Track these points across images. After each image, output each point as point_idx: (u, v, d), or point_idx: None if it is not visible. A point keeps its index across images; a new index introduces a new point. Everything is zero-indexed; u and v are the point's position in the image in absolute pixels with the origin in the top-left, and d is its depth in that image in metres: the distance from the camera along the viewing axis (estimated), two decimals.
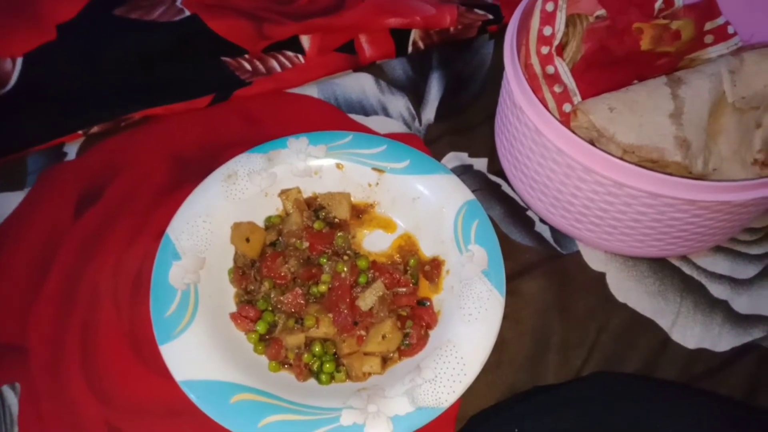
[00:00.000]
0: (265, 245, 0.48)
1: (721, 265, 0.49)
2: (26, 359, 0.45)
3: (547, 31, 0.44)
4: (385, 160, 0.50)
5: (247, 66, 0.60)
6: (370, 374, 0.43)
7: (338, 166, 0.50)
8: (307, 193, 0.50)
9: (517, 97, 0.42)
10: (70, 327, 0.46)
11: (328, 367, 0.43)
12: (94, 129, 0.56)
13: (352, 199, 0.50)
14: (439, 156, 0.54)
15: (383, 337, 0.43)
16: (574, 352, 0.46)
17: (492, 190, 0.53)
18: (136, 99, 0.57)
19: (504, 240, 0.50)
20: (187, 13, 0.62)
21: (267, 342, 0.44)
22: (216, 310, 0.45)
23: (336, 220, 0.50)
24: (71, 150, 0.55)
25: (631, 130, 0.42)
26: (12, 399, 0.44)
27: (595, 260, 0.50)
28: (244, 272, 0.46)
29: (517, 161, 0.47)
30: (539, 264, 0.49)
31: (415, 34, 0.61)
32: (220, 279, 0.47)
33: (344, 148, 0.51)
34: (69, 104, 0.57)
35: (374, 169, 0.50)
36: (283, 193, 0.49)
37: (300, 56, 0.60)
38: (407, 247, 0.49)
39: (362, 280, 0.46)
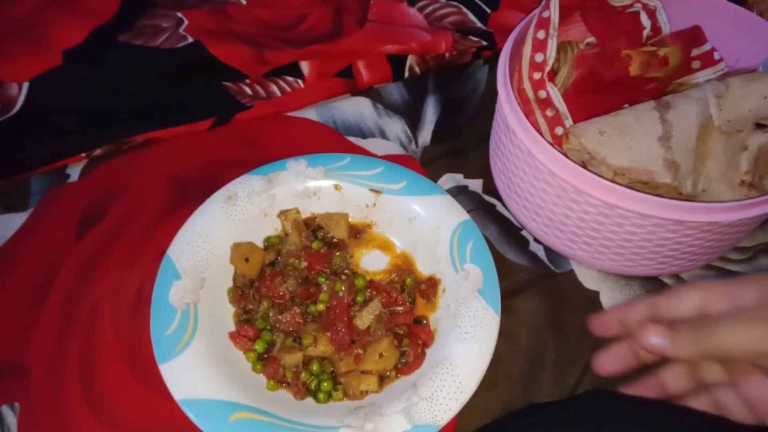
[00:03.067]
0: (264, 265, 0.49)
1: None
2: (26, 379, 0.45)
3: (539, 57, 0.46)
4: (382, 181, 0.51)
5: (248, 90, 0.61)
6: (367, 392, 0.44)
7: (336, 187, 0.51)
8: (305, 214, 0.51)
9: (510, 121, 0.43)
10: (70, 347, 0.47)
11: (326, 385, 0.43)
12: (97, 152, 0.57)
13: (350, 219, 0.51)
14: (435, 177, 0.55)
15: (380, 355, 0.44)
16: (568, 370, 0.46)
17: (487, 211, 0.54)
18: (139, 122, 0.58)
19: (499, 259, 0.51)
20: (190, 39, 0.64)
21: (265, 361, 0.45)
22: (215, 329, 0.45)
23: (334, 240, 0.51)
24: (74, 172, 0.56)
25: (622, 152, 0.43)
26: (11, 419, 0.44)
27: (588, 279, 0.50)
28: (243, 292, 0.47)
29: (511, 182, 0.48)
30: (534, 283, 0.50)
31: (411, 60, 0.63)
32: (219, 298, 0.47)
33: (342, 170, 0.52)
34: (73, 127, 0.59)
35: (371, 190, 0.51)
36: (282, 214, 0.50)
37: (299, 81, 0.62)
38: (404, 267, 0.50)
39: (360, 299, 0.47)
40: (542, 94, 0.46)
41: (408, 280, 0.48)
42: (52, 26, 0.65)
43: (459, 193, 0.55)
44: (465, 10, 0.68)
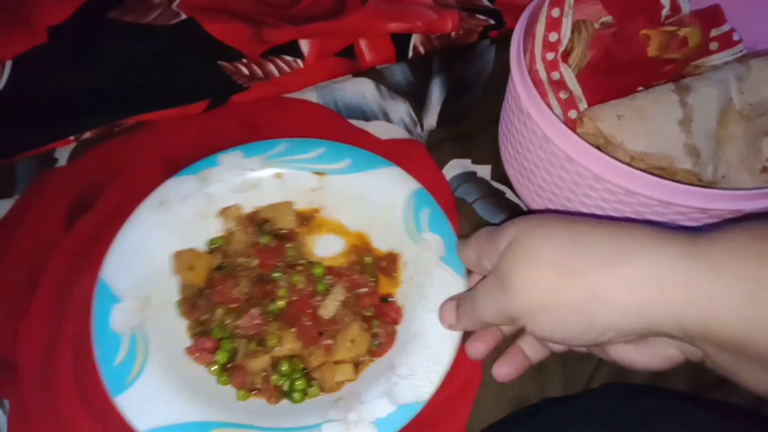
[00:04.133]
0: (211, 270, 0.45)
1: None
2: (15, 375, 0.43)
3: (553, 37, 0.44)
4: (324, 162, 0.49)
5: (245, 70, 0.57)
6: (344, 382, 0.42)
7: (277, 175, 0.48)
8: (248, 209, 0.48)
9: (524, 103, 0.40)
10: (61, 341, 0.44)
11: (299, 384, 0.41)
12: (87, 135, 0.53)
13: (296, 207, 0.48)
14: (441, 162, 0.53)
15: (351, 341, 0.42)
16: (582, 364, 0.45)
17: (496, 198, 0.52)
18: (130, 104, 0.55)
19: None
20: (184, 16, 0.60)
21: (230, 371, 0.42)
22: (170, 348, 0.42)
23: (283, 231, 0.48)
24: (62, 156, 0.53)
25: (640, 137, 0.42)
26: (0, 417, 0.42)
27: None
28: (193, 303, 0.44)
29: (524, 168, 0.46)
30: None
31: (415, 39, 0.60)
32: (168, 315, 0.44)
33: (281, 155, 0.49)
34: (60, 109, 0.55)
35: (315, 173, 0.49)
36: (223, 212, 0.47)
37: (299, 61, 0.58)
38: (360, 246, 0.48)
39: (320, 288, 0.44)
40: (555, 75, 0.44)
41: (367, 260, 0.46)
42: (36, 3, 0.60)
43: (466, 180, 0.52)
44: None
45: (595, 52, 0.46)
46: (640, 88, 0.46)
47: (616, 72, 0.47)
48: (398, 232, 0.47)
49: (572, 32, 0.45)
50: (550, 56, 0.44)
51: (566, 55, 0.45)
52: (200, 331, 0.43)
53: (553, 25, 0.44)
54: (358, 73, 0.58)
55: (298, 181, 0.48)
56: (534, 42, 0.44)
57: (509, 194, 0.52)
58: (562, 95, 0.45)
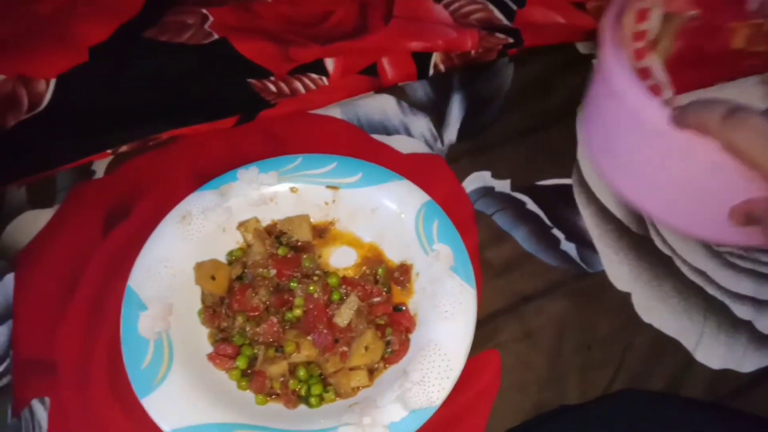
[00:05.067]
0: (231, 280, 0.47)
1: (744, 285, 0.49)
2: (54, 374, 0.45)
3: (641, 27, 0.45)
4: (337, 176, 0.51)
5: (273, 88, 0.60)
6: (359, 388, 0.43)
7: (292, 189, 0.50)
8: (265, 222, 0.50)
9: (618, 84, 0.40)
10: (97, 343, 0.46)
11: (316, 389, 0.43)
12: (123, 148, 0.56)
13: (311, 219, 0.51)
14: (462, 176, 0.54)
15: (366, 348, 0.43)
16: (599, 372, 0.45)
17: (516, 209, 0.53)
18: (164, 119, 0.58)
19: (529, 260, 0.50)
20: (216, 36, 0.63)
21: (250, 376, 0.44)
22: (192, 353, 0.44)
23: (299, 243, 0.50)
24: (99, 168, 0.55)
25: None
26: (41, 413, 0.44)
27: (620, 280, 0.49)
28: (214, 311, 0.46)
29: (611, 149, 0.45)
30: (564, 283, 0.49)
31: (436, 57, 0.62)
32: (191, 322, 0.46)
33: (295, 171, 0.51)
34: (98, 124, 0.58)
35: (328, 187, 0.50)
36: (242, 225, 0.49)
37: (324, 78, 0.61)
38: (373, 258, 0.50)
39: (335, 297, 0.46)
40: (643, 63, 0.46)
41: (380, 270, 0.48)
42: (77, 23, 0.63)
43: (485, 194, 0.54)
44: (491, 6, 0.66)
45: (681, 44, 0.47)
46: (724, 81, 0.46)
47: (701, 64, 0.47)
48: (410, 244, 0.48)
49: (660, 23, 0.46)
50: (638, 45, 0.45)
51: (653, 45, 0.46)
52: (221, 338, 0.45)
53: (642, 15, 0.45)
54: (380, 90, 0.60)
55: (313, 195, 0.50)
56: (623, 32, 0.45)
57: (529, 204, 0.53)
58: (648, 83, 0.46)
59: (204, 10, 0.65)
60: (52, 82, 0.60)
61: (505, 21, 0.65)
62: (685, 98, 0.44)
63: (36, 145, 0.57)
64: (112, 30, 0.64)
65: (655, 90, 0.46)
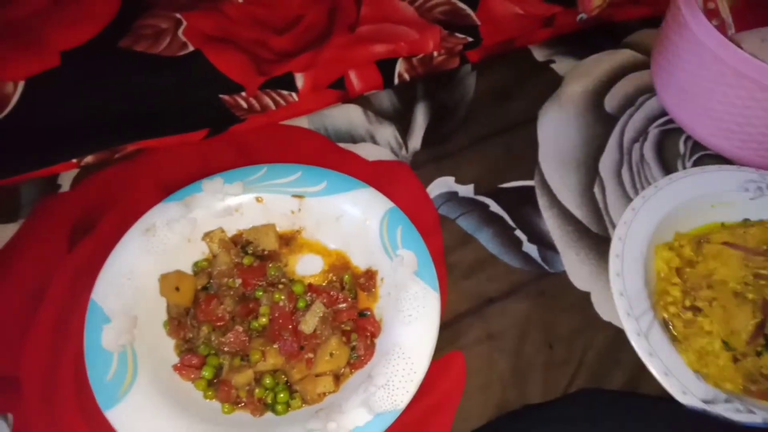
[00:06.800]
0: (196, 291, 0.47)
1: None
2: (19, 390, 0.45)
3: None
4: (302, 185, 0.51)
5: (243, 104, 0.61)
6: (325, 394, 0.44)
7: (258, 199, 0.51)
8: (231, 232, 0.51)
9: (693, 25, 0.48)
10: (63, 358, 0.46)
11: (282, 396, 0.43)
12: (89, 159, 0.56)
13: (277, 229, 0.51)
14: (426, 181, 0.55)
15: (331, 354, 0.44)
16: (561, 370, 0.46)
17: (480, 212, 0.54)
18: (132, 130, 0.57)
19: (492, 262, 0.51)
20: (191, 47, 0.63)
21: (215, 386, 0.44)
22: (158, 365, 0.44)
23: (265, 252, 0.50)
24: (65, 181, 0.55)
25: None
26: (4, 429, 0.43)
27: (580, 280, 0.50)
28: (179, 322, 0.46)
29: (684, 91, 0.53)
30: (526, 284, 0.50)
31: (400, 66, 0.63)
32: (156, 333, 0.46)
33: (260, 181, 0.51)
34: (65, 132, 0.57)
35: (294, 195, 0.51)
36: (207, 236, 0.49)
37: (294, 94, 0.61)
38: (339, 265, 0.50)
39: (301, 304, 0.47)
40: (711, 5, 0.50)
41: (346, 277, 0.49)
42: (52, 27, 0.63)
43: (449, 199, 0.55)
44: None
45: None
46: None
47: (763, 7, 0.52)
48: (375, 250, 0.49)
49: None
50: None
51: None
52: (187, 348, 0.45)
53: None
54: (347, 100, 0.61)
55: (279, 204, 0.51)
56: None
57: (493, 207, 0.54)
58: (714, 23, 0.50)
59: (178, 15, 0.65)
60: (21, 85, 0.59)
61: (469, 10, 0.67)
62: (745, 34, 0.49)
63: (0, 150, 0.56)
64: (87, 36, 0.63)
65: (720, 29, 0.50)
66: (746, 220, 0.52)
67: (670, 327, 0.47)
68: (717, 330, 0.46)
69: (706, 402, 0.43)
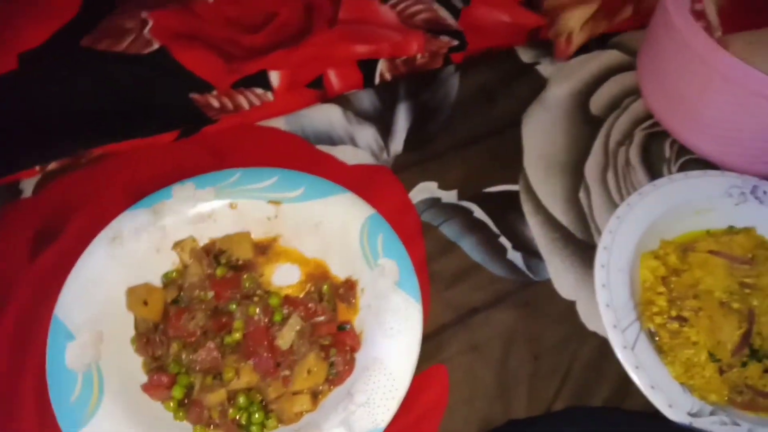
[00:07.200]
0: (166, 304, 0.45)
1: None
2: None
3: None
4: (279, 190, 0.49)
5: (215, 103, 0.58)
6: (302, 413, 0.42)
7: (232, 205, 0.49)
8: (203, 241, 0.48)
9: (681, 28, 0.49)
10: (23, 373, 0.44)
11: (258, 417, 0.41)
12: (53, 165, 0.53)
13: (252, 236, 0.49)
14: (408, 186, 0.53)
15: (308, 372, 0.42)
16: (546, 383, 0.45)
17: (463, 218, 0.52)
18: (98, 134, 0.55)
19: (476, 270, 0.50)
20: (156, 45, 0.60)
21: (186, 406, 0.42)
22: (125, 384, 0.42)
23: (240, 262, 0.48)
24: (27, 187, 0.52)
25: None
26: None
27: (565, 288, 0.49)
28: (148, 338, 0.43)
29: (669, 93, 0.54)
30: (510, 293, 0.49)
31: (382, 66, 0.61)
32: (123, 350, 0.43)
33: (235, 186, 0.49)
34: (26, 138, 0.55)
35: (270, 201, 0.49)
36: (177, 245, 0.47)
37: (269, 93, 0.58)
38: (318, 274, 0.48)
39: (277, 318, 0.45)
40: (698, 6, 0.50)
41: (324, 287, 0.47)
42: (7, 26, 0.60)
43: (432, 205, 0.53)
44: (436, 6, 0.66)
45: None
46: None
47: (753, 11, 0.52)
48: (355, 258, 0.47)
49: None
50: None
51: None
52: (156, 366, 0.43)
53: None
54: (326, 100, 0.59)
55: (254, 210, 0.49)
56: None
57: (477, 212, 0.53)
58: (701, 24, 0.50)
59: (144, 14, 0.62)
60: None
61: (450, 20, 0.65)
62: (732, 37, 0.50)
63: None
64: (47, 35, 0.60)
65: (707, 31, 0.50)
66: (731, 227, 0.52)
67: (656, 338, 0.46)
68: (703, 341, 0.45)
69: (691, 415, 0.42)
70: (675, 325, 0.46)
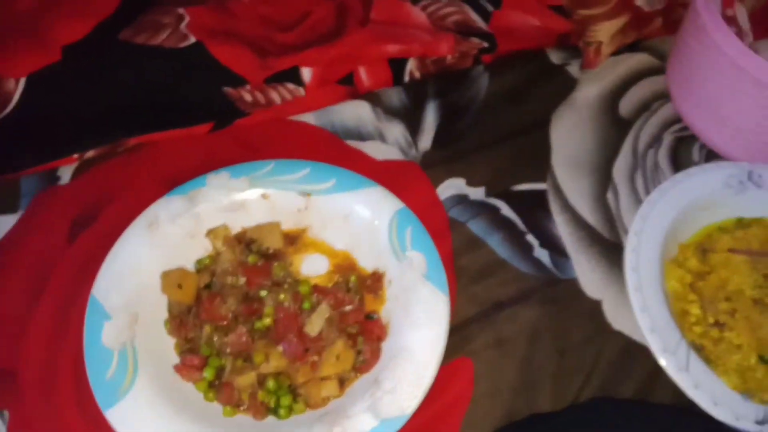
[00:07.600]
0: (199, 289, 0.46)
1: None
2: (16, 385, 0.44)
3: None
4: (310, 182, 0.50)
5: (248, 97, 0.59)
6: (329, 398, 0.43)
7: (264, 196, 0.50)
8: (235, 229, 0.49)
9: (714, 33, 0.49)
10: (62, 352, 0.45)
11: (285, 400, 0.42)
12: (90, 153, 0.55)
13: (282, 227, 0.50)
14: (436, 182, 0.54)
15: (337, 357, 0.43)
16: (571, 379, 0.45)
17: (491, 215, 0.53)
18: (135, 124, 0.56)
19: (502, 266, 0.50)
20: (192, 39, 0.62)
21: (217, 387, 0.43)
22: (158, 364, 0.43)
23: (270, 251, 0.49)
24: (65, 174, 0.54)
25: None
26: (0, 427, 0.42)
27: (591, 287, 0.49)
28: (181, 321, 0.45)
29: (701, 97, 0.53)
30: (536, 290, 0.49)
31: (411, 64, 0.62)
32: (157, 332, 0.45)
33: (267, 176, 0.50)
34: (67, 127, 0.57)
35: (301, 193, 0.50)
36: (210, 233, 0.48)
37: (301, 89, 0.60)
38: (345, 266, 0.49)
39: (306, 305, 0.45)
40: (729, 12, 0.50)
41: (352, 278, 0.47)
42: (52, 20, 0.62)
43: (459, 202, 0.53)
44: (467, 8, 0.66)
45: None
46: None
47: None
48: (383, 251, 0.48)
49: None
50: None
51: None
52: (188, 348, 0.44)
53: None
54: (355, 97, 0.60)
55: (285, 201, 0.49)
56: None
57: (504, 210, 0.53)
58: (732, 30, 0.49)
59: (180, 10, 0.64)
60: (22, 81, 0.58)
61: (481, 22, 0.66)
62: (764, 43, 0.51)
63: (2, 145, 0.56)
64: (88, 29, 0.63)
65: (737, 36, 0.50)
66: (740, 219, 0.51)
67: (701, 350, 0.45)
68: (746, 342, 0.44)
69: (759, 423, 0.41)
70: (715, 331, 0.45)
